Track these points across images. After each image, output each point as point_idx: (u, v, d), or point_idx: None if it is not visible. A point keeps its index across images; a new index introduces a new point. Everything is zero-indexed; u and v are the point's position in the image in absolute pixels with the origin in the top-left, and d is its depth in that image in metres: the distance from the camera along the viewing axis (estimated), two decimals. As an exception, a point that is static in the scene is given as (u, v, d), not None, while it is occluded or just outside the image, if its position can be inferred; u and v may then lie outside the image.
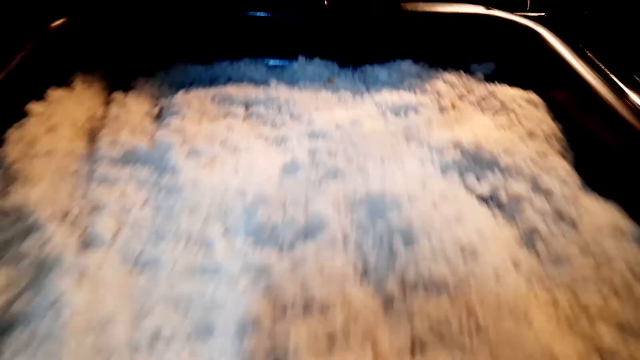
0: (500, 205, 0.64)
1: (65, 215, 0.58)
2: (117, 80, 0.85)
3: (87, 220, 0.57)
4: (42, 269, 0.51)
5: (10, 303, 0.49)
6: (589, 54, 0.77)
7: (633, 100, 0.66)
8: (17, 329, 0.47)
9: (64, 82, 0.80)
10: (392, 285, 0.53)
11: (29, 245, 0.53)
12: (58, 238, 0.54)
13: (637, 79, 0.70)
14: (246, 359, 0.46)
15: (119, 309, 0.49)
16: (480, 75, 0.88)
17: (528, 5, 0.95)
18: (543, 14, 0.92)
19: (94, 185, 0.62)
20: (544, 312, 0.51)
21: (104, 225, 0.56)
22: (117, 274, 0.52)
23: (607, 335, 0.48)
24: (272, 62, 0.91)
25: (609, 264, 0.53)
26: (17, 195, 0.58)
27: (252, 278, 0.54)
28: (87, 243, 0.55)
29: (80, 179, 0.63)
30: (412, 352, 0.47)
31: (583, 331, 0.49)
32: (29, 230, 0.55)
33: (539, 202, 0.62)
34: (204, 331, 0.49)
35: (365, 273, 0.55)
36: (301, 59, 0.91)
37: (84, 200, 0.60)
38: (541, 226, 0.60)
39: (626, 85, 0.68)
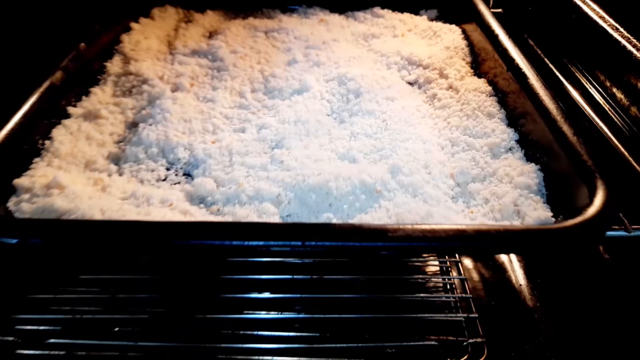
0: (418, 85, 1.05)
1: (161, 77, 1.01)
2: (179, 14, 1.29)
3: (174, 80, 1.00)
4: (155, 98, 0.95)
5: (137, 112, 0.93)
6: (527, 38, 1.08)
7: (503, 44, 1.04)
8: (142, 123, 0.90)
9: (148, 14, 1.24)
10: (344, 115, 0.95)
11: (145, 87, 0.96)
12: (160, 85, 0.97)
13: (565, 61, 1.06)
14: (262, 138, 0.88)
15: (194, 115, 0.92)
16: (425, 17, 1.29)
17: (491, 4, 1.32)
18: (500, 10, 1.29)
19: (176, 65, 1.05)
20: (427, 126, 0.92)
21: (184, 81, 0.99)
22: (192, 102, 0.95)
23: (456, 133, 0.89)
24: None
25: (468, 105, 0.94)
26: (134, 66, 1.01)
27: (267, 110, 0.96)
28: (175, 89, 0.98)
29: (167, 62, 1.07)
30: (349, 139, 0.89)
31: (445, 133, 0.90)
32: (144, 81, 0.98)
33: (441, 81, 1.03)
34: (240, 130, 0.91)
35: (331, 111, 0.97)
36: (304, 6, 1.33)
37: (170, 72, 1.03)
38: (438, 92, 1.00)
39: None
